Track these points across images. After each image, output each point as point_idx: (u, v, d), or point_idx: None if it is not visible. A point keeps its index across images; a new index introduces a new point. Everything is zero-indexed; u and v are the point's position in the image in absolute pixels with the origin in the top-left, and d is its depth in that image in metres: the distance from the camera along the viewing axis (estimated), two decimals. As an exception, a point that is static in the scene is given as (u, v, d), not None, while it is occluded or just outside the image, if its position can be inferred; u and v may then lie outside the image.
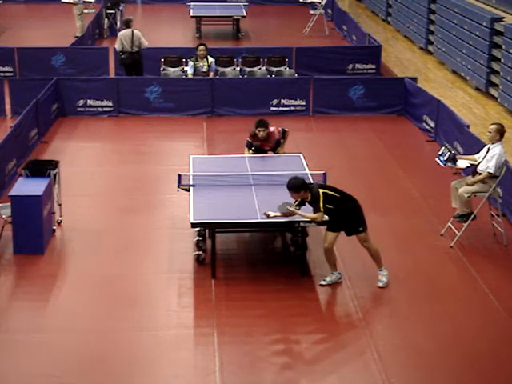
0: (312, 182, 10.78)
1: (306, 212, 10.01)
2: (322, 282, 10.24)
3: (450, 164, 11.55)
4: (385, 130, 16.69)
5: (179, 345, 9.05)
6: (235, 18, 25.09)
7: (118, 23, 24.31)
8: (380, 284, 10.21)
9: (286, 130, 12.60)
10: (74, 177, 13.55)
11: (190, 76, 17.43)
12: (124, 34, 18.19)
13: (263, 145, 12.48)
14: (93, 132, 16.59)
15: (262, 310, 9.73)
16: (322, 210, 9.88)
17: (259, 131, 12.26)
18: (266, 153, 12.58)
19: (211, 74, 17.41)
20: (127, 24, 18.43)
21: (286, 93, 17.53)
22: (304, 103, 17.57)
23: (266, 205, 10.63)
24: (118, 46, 18.22)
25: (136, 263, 10.92)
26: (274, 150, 12.62)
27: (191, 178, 11.44)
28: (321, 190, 9.96)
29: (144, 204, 12.82)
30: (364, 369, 8.59)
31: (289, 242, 11.27)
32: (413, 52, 23.38)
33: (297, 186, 9.98)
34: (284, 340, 9.14)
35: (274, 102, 17.51)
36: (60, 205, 12.07)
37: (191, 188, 11.18)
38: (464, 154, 12.86)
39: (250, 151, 12.53)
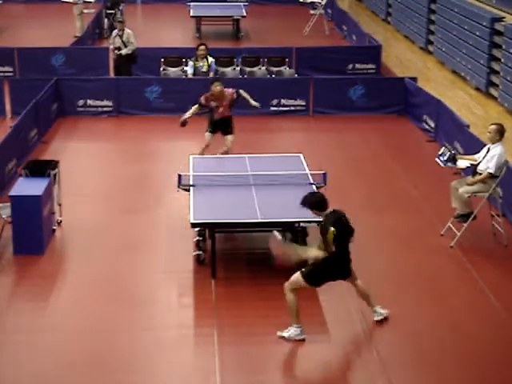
0: (335, 209, 8.94)
1: (305, 249, 9.04)
2: (278, 333, 9.09)
3: (450, 164, 11.55)
4: (385, 129, 16.69)
5: (179, 345, 9.05)
6: (235, 18, 25.09)
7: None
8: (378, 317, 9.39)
9: (240, 91, 13.53)
10: (74, 177, 13.55)
11: (189, 76, 17.41)
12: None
13: (220, 103, 13.36)
14: (93, 132, 16.59)
15: (262, 310, 9.73)
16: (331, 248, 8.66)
17: (216, 86, 13.24)
18: (221, 111, 13.44)
19: (211, 74, 17.40)
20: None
21: (286, 93, 17.52)
22: (304, 103, 17.57)
23: (266, 205, 10.64)
24: (136, 43, 18.40)
25: (136, 263, 10.92)
26: (228, 111, 13.53)
27: (191, 177, 11.44)
28: (332, 229, 8.62)
29: (144, 204, 12.81)
30: (364, 369, 8.60)
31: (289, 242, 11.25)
32: (413, 52, 23.35)
33: (306, 203, 8.93)
34: (284, 340, 9.12)
35: (274, 101, 17.50)
36: (60, 205, 12.07)
37: (191, 188, 11.19)
38: (464, 154, 12.84)
39: (196, 109, 13.51)
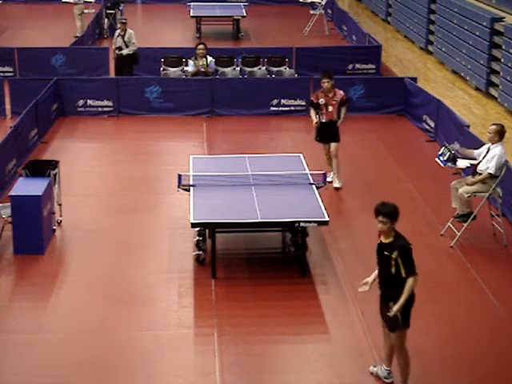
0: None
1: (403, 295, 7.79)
2: (370, 368, 8.49)
3: (450, 164, 11.56)
4: (385, 130, 16.69)
5: (179, 345, 9.05)
6: (235, 18, 25.09)
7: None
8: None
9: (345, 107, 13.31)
10: (74, 177, 13.55)
11: (190, 69, 17.41)
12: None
13: (329, 101, 13.13)
14: (93, 132, 16.59)
15: (262, 309, 9.73)
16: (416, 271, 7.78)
17: (324, 82, 13.06)
18: (330, 111, 13.17)
19: (209, 70, 17.41)
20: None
21: (286, 93, 17.52)
22: (304, 103, 17.56)
23: (266, 205, 10.64)
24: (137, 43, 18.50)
25: (136, 263, 10.92)
26: (337, 114, 13.25)
27: (191, 177, 11.44)
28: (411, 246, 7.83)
29: (144, 204, 12.82)
30: (364, 369, 8.59)
31: (289, 242, 11.27)
32: (413, 52, 23.38)
33: (390, 212, 7.94)
34: (284, 340, 9.13)
35: (274, 101, 17.51)
36: (60, 205, 12.07)
37: (191, 188, 11.19)
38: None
39: (314, 111, 13.30)
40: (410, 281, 7.71)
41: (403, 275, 7.71)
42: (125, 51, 18.24)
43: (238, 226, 10.63)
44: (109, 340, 9.12)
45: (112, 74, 19.47)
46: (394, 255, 7.75)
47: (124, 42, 18.29)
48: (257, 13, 27.55)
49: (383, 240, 7.92)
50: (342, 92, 13.32)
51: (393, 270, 7.76)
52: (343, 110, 13.29)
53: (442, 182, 13.05)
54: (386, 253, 7.80)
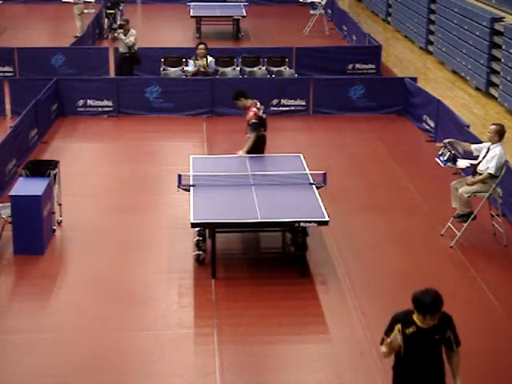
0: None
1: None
2: None
3: (450, 164, 11.56)
4: (385, 130, 16.69)
5: (179, 345, 9.05)
6: (235, 18, 25.10)
7: (118, 23, 24.33)
8: None
9: (254, 127, 11.98)
10: (74, 177, 13.55)
11: (190, 70, 17.43)
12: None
13: (245, 117, 12.35)
14: (93, 132, 16.59)
15: (262, 310, 9.73)
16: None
17: (233, 98, 12.43)
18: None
19: (209, 70, 17.44)
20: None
21: (285, 93, 17.52)
22: (304, 103, 17.57)
23: (266, 205, 10.64)
24: (133, 41, 18.65)
25: (136, 263, 10.92)
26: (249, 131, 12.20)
27: (191, 177, 11.44)
28: None
29: (144, 204, 12.82)
30: (364, 369, 8.60)
31: (289, 242, 11.27)
32: (413, 52, 23.38)
33: (440, 306, 6.56)
34: (284, 340, 9.14)
35: (274, 102, 17.50)
36: (60, 205, 12.07)
37: (191, 188, 11.19)
38: (463, 155, 12.81)
39: None
40: (459, 350, 6.98)
41: (454, 349, 6.95)
42: (122, 37, 18.56)
43: (238, 226, 10.63)
44: (109, 340, 9.13)
45: (112, 74, 19.49)
46: (448, 333, 6.86)
47: (125, 35, 18.59)
48: (257, 13, 27.55)
49: (425, 326, 6.62)
50: (251, 114, 12.03)
51: (439, 349, 6.84)
52: (251, 136, 12.13)
53: (442, 182, 13.06)
54: (437, 336, 6.72)
